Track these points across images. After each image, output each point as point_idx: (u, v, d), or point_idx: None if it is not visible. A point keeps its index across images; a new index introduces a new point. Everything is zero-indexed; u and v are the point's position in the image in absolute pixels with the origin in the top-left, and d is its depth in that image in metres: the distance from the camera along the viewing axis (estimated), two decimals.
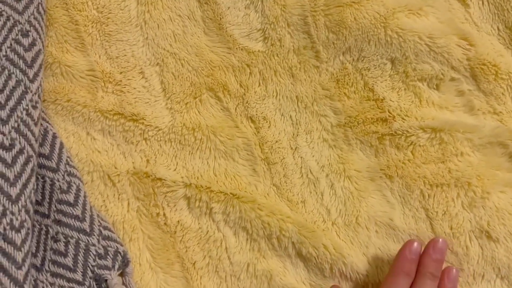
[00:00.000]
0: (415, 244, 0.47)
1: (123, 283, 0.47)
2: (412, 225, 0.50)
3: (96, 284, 0.45)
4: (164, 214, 0.51)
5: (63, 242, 0.44)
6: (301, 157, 0.53)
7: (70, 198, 0.46)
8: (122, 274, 0.47)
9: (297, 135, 0.53)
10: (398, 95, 0.53)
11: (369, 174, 0.52)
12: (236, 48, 0.54)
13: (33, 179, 0.42)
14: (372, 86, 0.53)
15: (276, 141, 0.53)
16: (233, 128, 0.53)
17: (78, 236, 0.45)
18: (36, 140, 0.44)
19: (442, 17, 0.54)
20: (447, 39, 0.52)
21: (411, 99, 0.53)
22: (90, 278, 0.45)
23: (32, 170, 0.43)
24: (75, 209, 0.45)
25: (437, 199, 0.50)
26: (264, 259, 0.50)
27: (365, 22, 0.53)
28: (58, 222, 0.45)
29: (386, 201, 0.51)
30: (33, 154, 0.43)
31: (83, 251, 0.45)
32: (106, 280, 0.45)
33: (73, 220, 0.45)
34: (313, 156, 0.53)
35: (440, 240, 0.47)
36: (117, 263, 0.46)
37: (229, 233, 0.51)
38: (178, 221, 0.51)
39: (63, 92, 0.52)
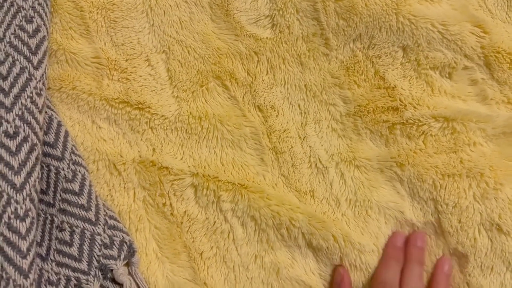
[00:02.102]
0: (402, 234, 0.50)
1: (129, 273, 0.46)
2: (420, 218, 0.50)
3: (101, 274, 0.44)
4: (170, 204, 0.50)
5: (68, 231, 0.44)
6: (309, 146, 0.52)
7: (75, 187, 0.45)
8: (128, 264, 0.47)
9: (306, 125, 0.52)
10: (410, 83, 0.52)
11: (379, 164, 0.51)
12: (244, 35, 0.53)
13: (37, 168, 0.42)
14: (383, 74, 0.52)
15: (284, 130, 0.52)
16: (240, 117, 0.52)
17: (83, 226, 0.44)
18: (40, 128, 0.44)
19: (456, 3, 0.53)
20: (461, 26, 0.51)
21: (423, 87, 0.52)
22: (96, 268, 0.44)
23: (36, 158, 0.42)
24: (80, 198, 0.45)
25: (449, 190, 0.49)
26: (272, 250, 0.49)
27: (377, 9, 0.51)
28: (63, 211, 0.44)
29: (396, 192, 0.50)
30: (38, 142, 0.43)
31: (89, 240, 0.44)
32: (111, 270, 0.45)
33: (78, 209, 0.44)
34: (322, 145, 0.52)
35: (421, 231, 0.50)
36: (123, 252, 0.45)
37: (236, 224, 0.50)
38: (185, 211, 0.50)
39: (68, 79, 0.51)
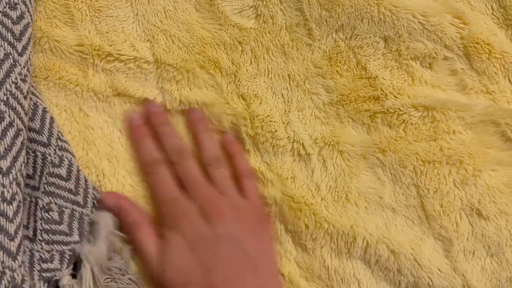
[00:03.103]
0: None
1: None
2: (402, 202, 0.51)
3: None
4: None
5: (57, 211, 0.44)
6: (293, 131, 0.52)
7: (63, 172, 0.45)
8: None
9: (289, 112, 0.53)
10: (391, 73, 0.53)
11: (362, 150, 0.52)
12: (228, 25, 0.54)
13: (23, 152, 0.42)
14: (365, 64, 0.53)
15: (268, 115, 0.53)
16: (224, 105, 0.53)
17: (72, 208, 0.44)
18: (25, 114, 0.43)
19: None
20: (441, 17, 0.52)
21: (404, 77, 0.53)
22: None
23: (22, 143, 0.42)
24: (68, 183, 0.45)
25: (429, 176, 0.50)
26: None
27: (359, 1, 0.52)
28: (50, 193, 0.44)
29: (377, 178, 0.51)
30: (23, 128, 0.43)
31: (78, 220, 0.44)
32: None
33: (66, 192, 0.44)
34: (305, 130, 0.53)
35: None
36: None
37: None
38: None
39: (54, 69, 0.51)
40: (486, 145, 0.51)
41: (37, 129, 0.46)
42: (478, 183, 0.50)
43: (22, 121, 0.43)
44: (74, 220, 0.44)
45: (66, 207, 0.44)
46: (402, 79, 0.53)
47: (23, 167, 0.41)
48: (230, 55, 0.54)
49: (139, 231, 0.47)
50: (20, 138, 0.42)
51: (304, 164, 0.52)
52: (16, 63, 0.45)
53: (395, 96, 0.52)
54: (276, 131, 0.52)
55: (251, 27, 0.54)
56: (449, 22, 0.52)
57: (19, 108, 0.43)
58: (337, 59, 0.53)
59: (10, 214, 0.38)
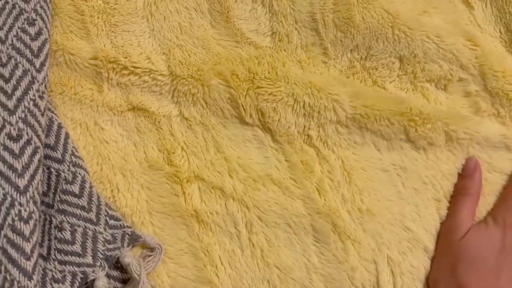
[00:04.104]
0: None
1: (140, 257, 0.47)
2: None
3: (107, 263, 0.45)
4: (178, 204, 0.51)
5: (69, 231, 0.44)
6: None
7: (76, 189, 0.45)
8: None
9: (309, 129, 0.53)
10: (407, 95, 0.53)
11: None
12: (244, 42, 0.54)
13: (40, 170, 0.42)
14: (383, 85, 0.53)
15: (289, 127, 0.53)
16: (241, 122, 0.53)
17: (85, 225, 0.45)
18: (43, 131, 0.44)
19: (448, 18, 0.54)
20: (455, 38, 0.52)
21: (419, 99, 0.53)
22: (101, 259, 0.45)
23: (39, 161, 0.42)
24: (80, 200, 0.45)
25: None
26: (276, 250, 0.50)
27: (373, 22, 0.53)
28: (62, 211, 0.44)
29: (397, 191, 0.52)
30: (40, 145, 0.43)
31: (91, 238, 0.45)
32: (118, 258, 0.45)
33: (79, 210, 0.45)
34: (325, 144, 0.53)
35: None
36: (125, 240, 0.46)
37: (241, 225, 0.51)
38: (193, 212, 0.51)
39: (69, 84, 0.52)
40: None
41: (51, 145, 0.47)
42: None
43: (40, 139, 0.43)
44: (87, 239, 0.44)
45: (78, 225, 0.44)
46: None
47: (40, 185, 0.42)
48: (246, 65, 0.54)
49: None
50: (38, 156, 0.42)
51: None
52: (34, 79, 0.45)
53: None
54: (302, 147, 0.53)
55: (266, 46, 0.54)
56: (462, 44, 0.52)
57: (36, 125, 0.43)
58: (354, 78, 0.54)
59: (27, 233, 0.39)
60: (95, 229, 0.45)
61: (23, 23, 0.47)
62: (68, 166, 0.46)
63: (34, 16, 0.48)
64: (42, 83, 0.46)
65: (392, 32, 0.52)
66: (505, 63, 0.53)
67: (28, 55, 0.46)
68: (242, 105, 0.52)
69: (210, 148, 0.53)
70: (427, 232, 0.51)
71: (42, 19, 0.48)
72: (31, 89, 0.44)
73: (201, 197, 0.51)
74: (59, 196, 0.45)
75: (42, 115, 0.44)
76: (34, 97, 0.44)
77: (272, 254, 0.50)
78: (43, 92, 0.45)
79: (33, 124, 0.43)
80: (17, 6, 0.48)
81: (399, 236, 0.50)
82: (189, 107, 0.53)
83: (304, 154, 0.52)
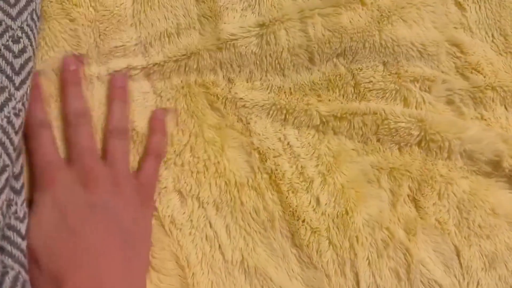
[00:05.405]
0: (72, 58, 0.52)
1: None
2: None
3: None
4: (157, 213, 0.51)
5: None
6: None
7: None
8: None
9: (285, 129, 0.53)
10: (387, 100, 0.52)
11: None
12: (227, 48, 0.54)
13: (6, 190, 0.43)
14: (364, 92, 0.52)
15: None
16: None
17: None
18: (14, 150, 0.45)
19: (438, 21, 0.53)
20: (439, 48, 0.52)
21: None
22: None
23: (6, 180, 0.43)
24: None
25: None
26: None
27: (360, 25, 0.51)
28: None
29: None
30: (9, 164, 0.44)
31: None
32: None
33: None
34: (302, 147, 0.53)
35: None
36: None
37: (222, 230, 0.51)
38: (170, 219, 0.51)
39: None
40: None
41: None
42: None
43: (10, 157, 0.44)
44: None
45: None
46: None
47: (5, 205, 0.43)
48: (226, 75, 0.54)
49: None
50: (5, 175, 0.43)
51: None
52: (12, 97, 0.46)
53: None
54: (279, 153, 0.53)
55: (252, 51, 0.53)
56: (446, 51, 0.50)
57: (8, 143, 0.44)
58: (335, 83, 0.53)
59: None
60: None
61: (7, 40, 0.48)
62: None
63: (19, 34, 0.48)
64: (19, 101, 0.46)
65: (380, 37, 0.51)
66: (489, 72, 0.52)
67: (8, 72, 0.46)
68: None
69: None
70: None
71: (28, 37, 0.49)
72: (7, 106, 0.45)
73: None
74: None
75: (16, 133, 0.45)
76: (8, 114, 0.45)
77: (251, 259, 0.50)
78: (19, 110, 0.46)
79: (4, 142, 0.43)
80: (3, 23, 0.48)
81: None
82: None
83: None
